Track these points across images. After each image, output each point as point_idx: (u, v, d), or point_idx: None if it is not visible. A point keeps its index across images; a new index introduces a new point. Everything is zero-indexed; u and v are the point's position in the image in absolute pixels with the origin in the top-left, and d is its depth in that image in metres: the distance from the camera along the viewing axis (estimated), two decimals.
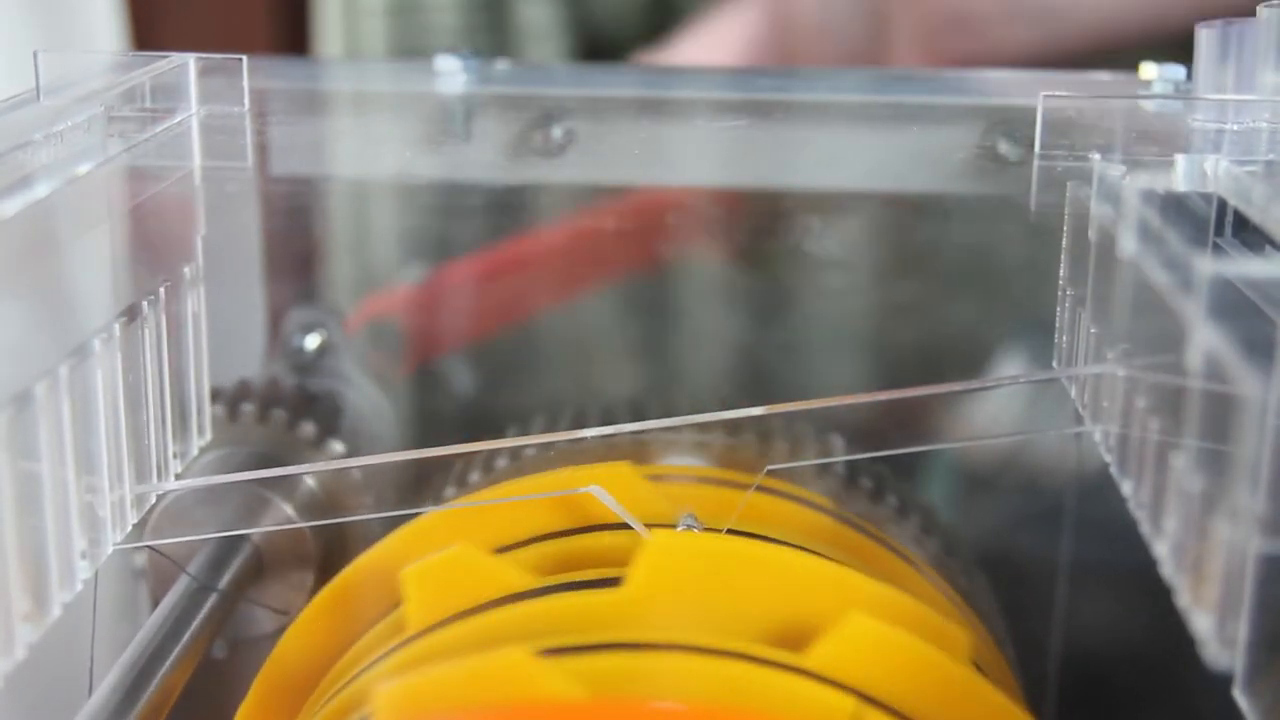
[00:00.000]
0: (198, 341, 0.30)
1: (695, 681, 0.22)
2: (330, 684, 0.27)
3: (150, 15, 0.72)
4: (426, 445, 0.29)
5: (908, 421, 0.39)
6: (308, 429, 0.35)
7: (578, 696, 0.21)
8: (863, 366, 0.46)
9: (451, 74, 0.38)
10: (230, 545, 0.32)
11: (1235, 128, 0.28)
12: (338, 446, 0.35)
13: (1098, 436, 0.26)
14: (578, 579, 0.25)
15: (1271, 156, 0.27)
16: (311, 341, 0.39)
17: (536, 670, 0.21)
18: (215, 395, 0.34)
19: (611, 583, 0.24)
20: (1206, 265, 0.19)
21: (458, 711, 0.21)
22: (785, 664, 0.22)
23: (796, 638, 0.23)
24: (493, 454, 0.33)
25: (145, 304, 0.27)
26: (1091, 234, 0.27)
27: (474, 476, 0.33)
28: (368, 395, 0.39)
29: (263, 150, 0.33)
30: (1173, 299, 0.20)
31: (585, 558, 0.27)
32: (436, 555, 0.26)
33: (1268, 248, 0.24)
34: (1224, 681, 0.19)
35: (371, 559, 0.28)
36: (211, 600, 0.30)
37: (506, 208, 0.43)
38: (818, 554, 0.26)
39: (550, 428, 0.35)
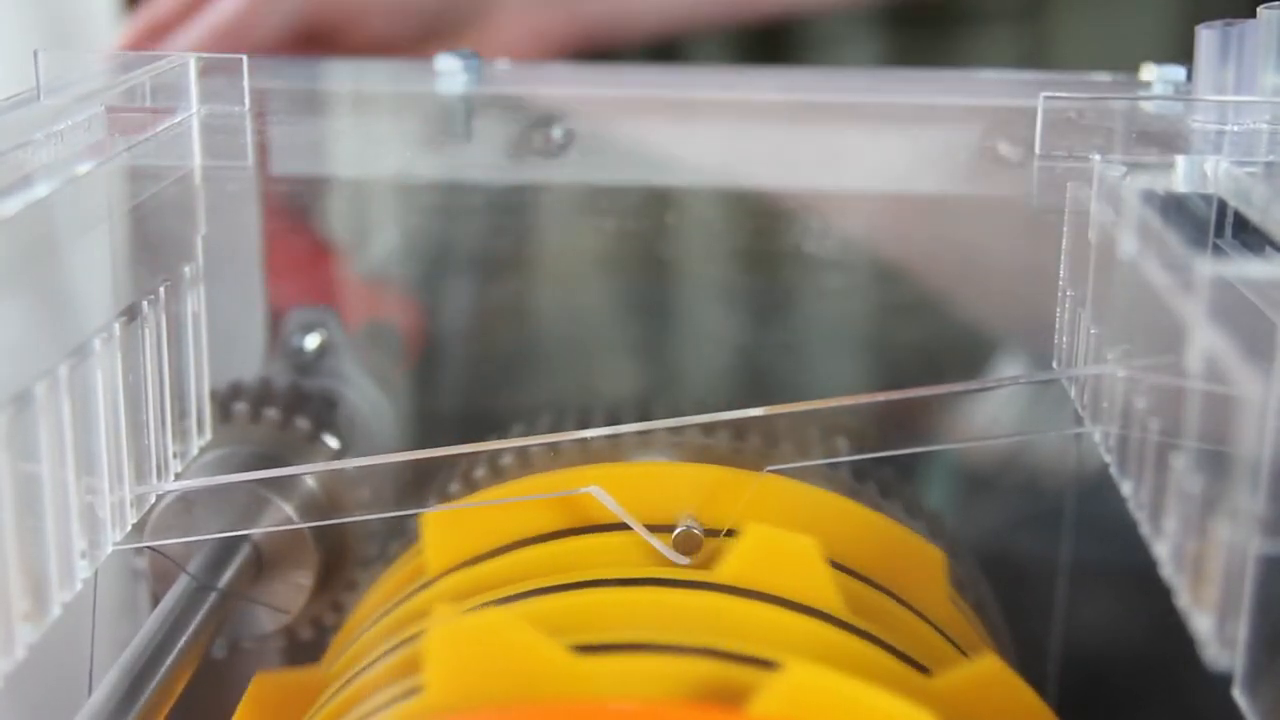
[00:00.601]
0: (198, 341, 0.30)
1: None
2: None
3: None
4: (426, 445, 0.29)
5: (908, 422, 0.39)
6: (308, 427, 0.35)
7: None
8: (862, 368, 0.46)
9: (451, 74, 0.38)
10: (230, 545, 0.32)
11: (1235, 129, 0.28)
12: (334, 444, 0.35)
13: (1097, 437, 0.26)
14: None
15: (1271, 158, 0.27)
16: (311, 341, 0.39)
17: None
18: (237, 393, 0.35)
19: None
20: (1206, 266, 0.19)
21: None
22: None
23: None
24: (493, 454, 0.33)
25: (145, 304, 0.27)
26: (1092, 235, 0.27)
27: (479, 472, 0.33)
28: (368, 395, 0.39)
29: (263, 150, 0.33)
30: (1173, 300, 0.20)
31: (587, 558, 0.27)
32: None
33: (1268, 249, 0.24)
34: (1224, 681, 0.19)
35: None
36: (211, 600, 0.30)
37: (506, 208, 0.43)
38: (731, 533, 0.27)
39: (551, 429, 0.35)
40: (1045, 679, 0.35)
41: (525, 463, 0.32)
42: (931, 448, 0.42)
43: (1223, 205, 0.25)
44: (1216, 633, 0.19)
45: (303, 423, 0.34)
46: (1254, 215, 0.24)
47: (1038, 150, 0.29)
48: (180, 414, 0.29)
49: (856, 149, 0.36)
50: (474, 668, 0.23)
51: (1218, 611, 0.19)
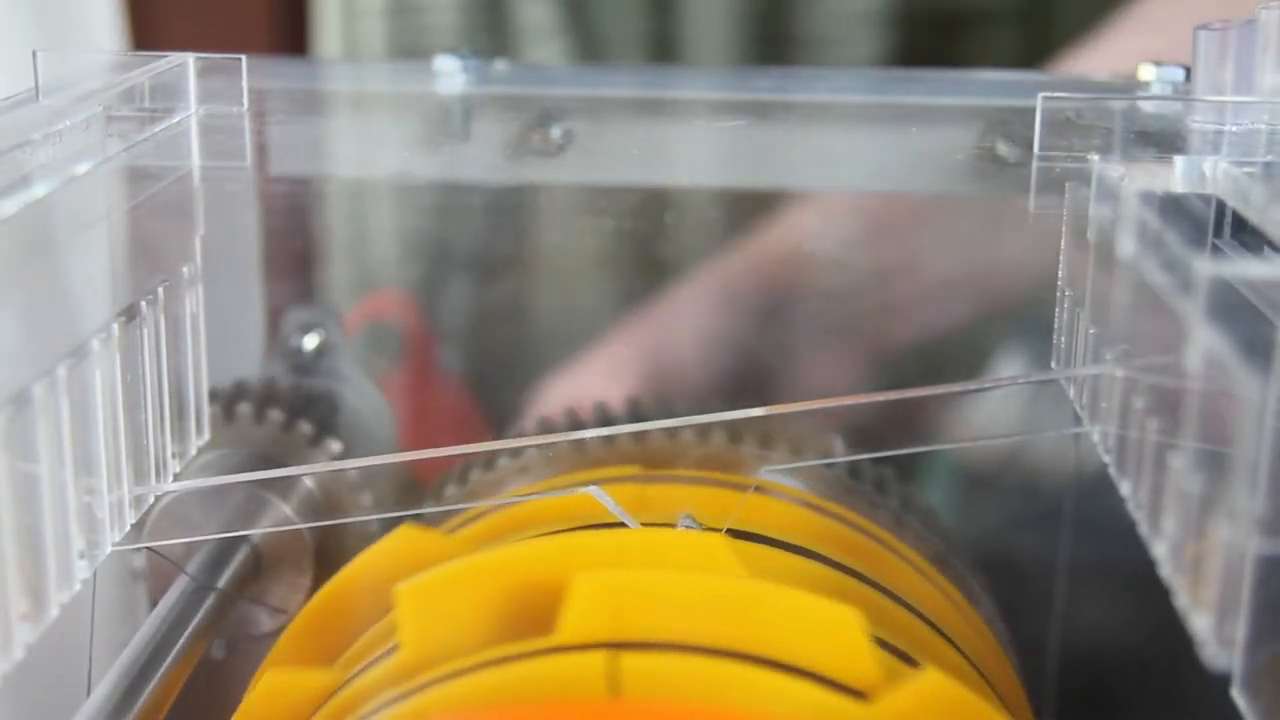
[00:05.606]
0: (196, 342, 0.30)
1: (454, 704, 0.22)
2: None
3: (149, 15, 0.72)
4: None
5: (907, 422, 0.39)
6: (310, 430, 0.35)
7: None
8: (861, 367, 0.46)
9: (451, 74, 0.38)
10: (228, 545, 0.32)
11: (1234, 129, 0.28)
12: (335, 446, 0.35)
13: (1096, 437, 0.26)
14: (374, 657, 0.25)
15: (1270, 158, 0.27)
16: (310, 341, 0.39)
17: None
18: (240, 393, 0.35)
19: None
20: (1205, 266, 0.19)
21: None
22: (533, 650, 0.23)
23: (549, 619, 0.23)
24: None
25: (144, 304, 0.27)
26: (1090, 235, 0.27)
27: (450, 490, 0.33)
28: (366, 395, 0.39)
29: (262, 150, 0.33)
30: (1171, 300, 0.20)
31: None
32: (251, 691, 0.26)
33: (1266, 249, 0.24)
34: (1223, 682, 0.19)
35: (358, 567, 0.28)
36: (209, 600, 0.30)
37: (506, 208, 0.43)
38: (731, 533, 0.27)
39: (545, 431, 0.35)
40: (1044, 679, 0.35)
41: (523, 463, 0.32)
42: (931, 448, 0.42)
43: (1221, 205, 0.25)
44: (1215, 633, 0.19)
45: (306, 426, 0.34)
46: (1252, 215, 0.24)
47: (1036, 150, 0.29)
48: (179, 414, 0.29)
49: (856, 149, 0.36)
50: (438, 621, 0.23)
51: (1216, 611, 0.19)
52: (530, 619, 0.24)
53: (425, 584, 0.24)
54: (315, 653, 0.27)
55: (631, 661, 0.22)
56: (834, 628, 0.23)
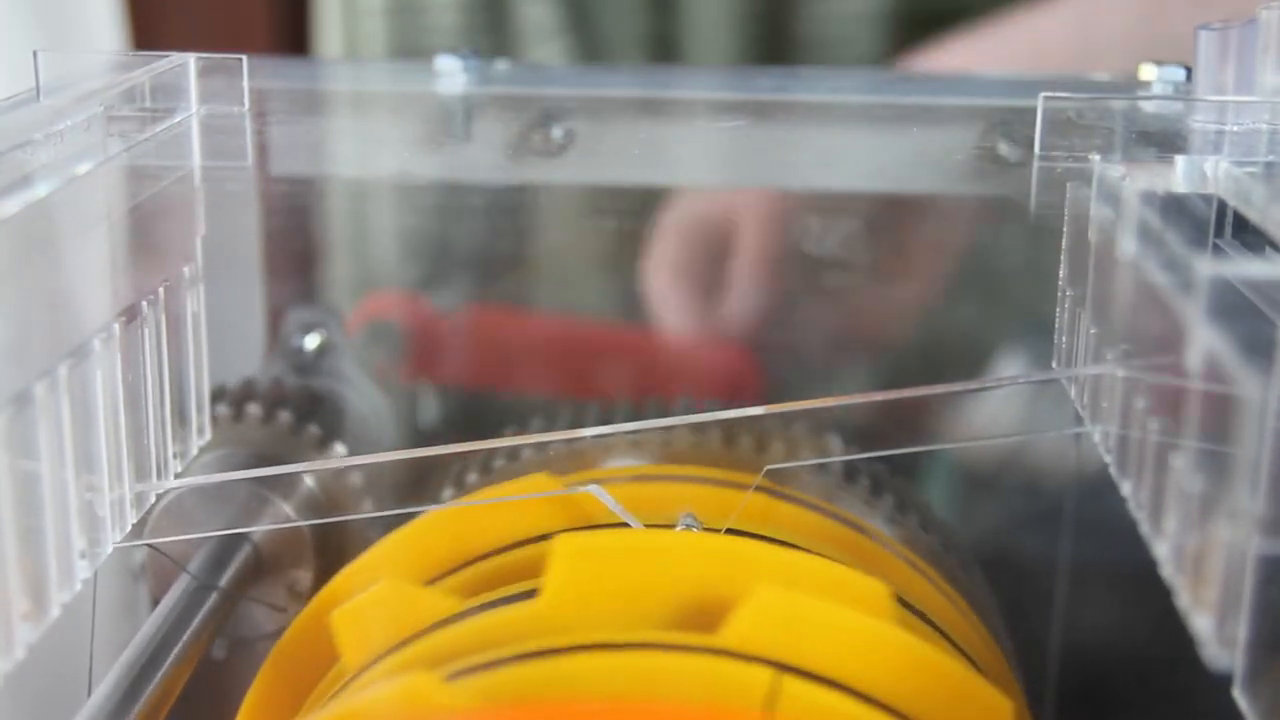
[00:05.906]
0: (197, 341, 0.30)
1: (608, 678, 0.22)
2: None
3: (150, 15, 0.72)
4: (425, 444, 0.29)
5: (908, 421, 0.39)
6: (310, 429, 0.35)
7: (478, 709, 0.21)
8: (861, 367, 0.46)
9: (451, 74, 0.38)
10: (229, 545, 0.32)
11: (1235, 129, 0.28)
12: (335, 444, 0.35)
13: (1097, 437, 0.26)
14: (501, 596, 0.25)
15: (1271, 158, 0.27)
16: (311, 341, 0.39)
17: (439, 693, 0.21)
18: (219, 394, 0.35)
19: (530, 595, 0.24)
20: (1206, 266, 0.19)
21: None
22: (697, 646, 0.22)
23: (710, 618, 0.23)
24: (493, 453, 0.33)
25: (145, 304, 0.27)
26: (1091, 235, 0.27)
27: (472, 477, 0.33)
28: (367, 395, 0.39)
29: (263, 150, 0.33)
30: (1172, 300, 0.20)
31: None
32: (364, 594, 0.26)
33: (1267, 249, 0.24)
34: (1224, 681, 0.19)
35: (370, 559, 0.28)
36: (211, 600, 0.30)
37: (506, 208, 0.43)
38: (731, 532, 0.27)
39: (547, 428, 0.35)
40: (1045, 679, 0.35)
41: (543, 458, 0.32)
42: (931, 448, 0.42)
43: (1222, 205, 0.25)
44: (1216, 633, 0.19)
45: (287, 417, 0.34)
46: (1253, 215, 0.24)
47: (1037, 150, 0.29)
48: (179, 414, 0.29)
49: (856, 149, 0.36)
50: (591, 585, 0.23)
51: (1217, 611, 0.19)
52: (689, 613, 0.23)
53: (586, 544, 0.24)
54: (415, 570, 0.27)
55: (793, 686, 0.22)
56: (990, 715, 0.23)
